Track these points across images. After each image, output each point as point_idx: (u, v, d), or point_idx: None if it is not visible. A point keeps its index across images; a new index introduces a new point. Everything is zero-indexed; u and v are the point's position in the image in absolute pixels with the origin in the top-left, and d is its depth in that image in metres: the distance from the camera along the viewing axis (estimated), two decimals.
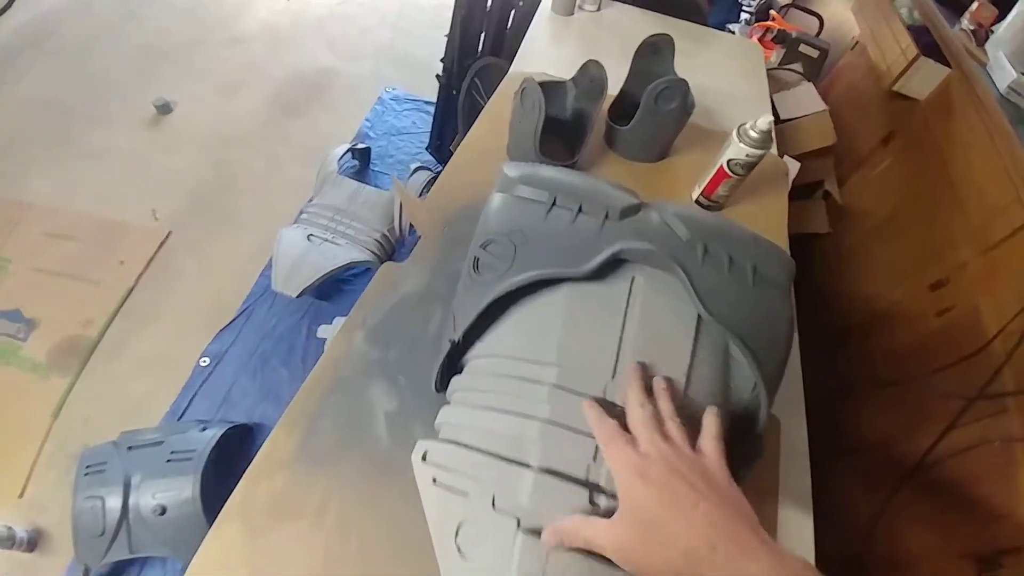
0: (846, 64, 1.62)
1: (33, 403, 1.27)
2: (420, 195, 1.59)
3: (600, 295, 0.50)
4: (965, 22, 1.35)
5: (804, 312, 1.10)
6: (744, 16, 1.85)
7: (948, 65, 1.31)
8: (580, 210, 0.54)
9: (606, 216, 0.53)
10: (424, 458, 0.47)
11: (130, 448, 1.11)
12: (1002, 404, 0.97)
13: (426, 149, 1.74)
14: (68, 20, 2.29)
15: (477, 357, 0.53)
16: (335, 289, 1.51)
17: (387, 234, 1.52)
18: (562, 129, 0.70)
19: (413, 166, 1.67)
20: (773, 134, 0.72)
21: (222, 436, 1.17)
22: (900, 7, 1.49)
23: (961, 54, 1.26)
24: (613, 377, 0.46)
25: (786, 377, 0.68)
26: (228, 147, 1.91)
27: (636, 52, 0.83)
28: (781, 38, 1.61)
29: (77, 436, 1.24)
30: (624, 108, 0.85)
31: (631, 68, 0.84)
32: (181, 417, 1.29)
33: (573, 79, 0.77)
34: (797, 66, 1.58)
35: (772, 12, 1.77)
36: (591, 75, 0.75)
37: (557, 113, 0.76)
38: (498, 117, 0.90)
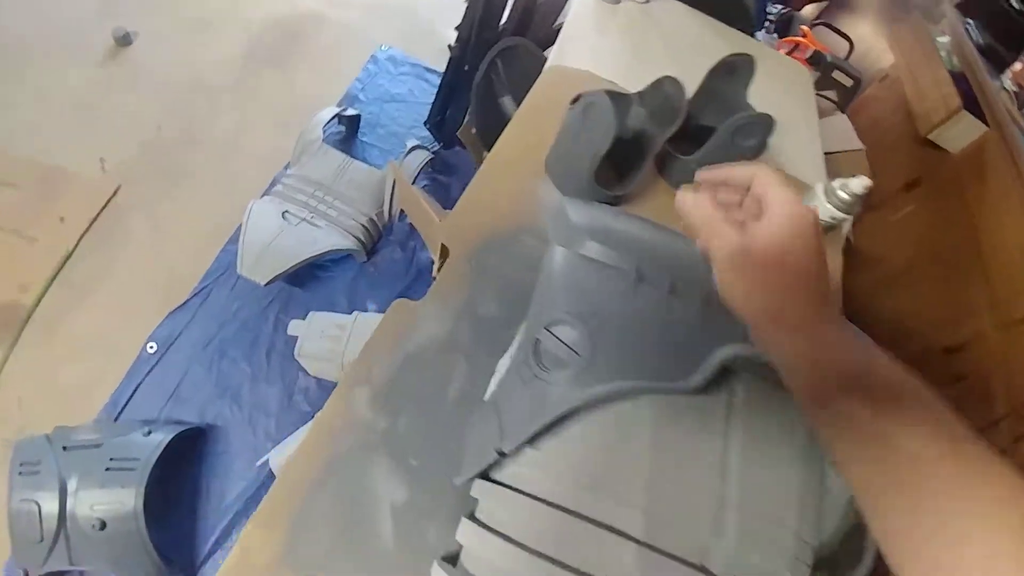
0: (873, 96, 1.53)
1: None
2: (414, 180, 1.42)
3: (695, 414, 0.39)
4: (1008, 81, 1.28)
5: None
6: (767, 26, 1.72)
7: (985, 121, 1.24)
8: (672, 289, 0.42)
9: (704, 302, 0.42)
10: None
11: (65, 448, 0.96)
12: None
13: (424, 124, 1.56)
14: None
15: (527, 467, 0.41)
16: (310, 276, 1.34)
17: (374, 219, 1.36)
18: (614, 149, 0.58)
19: (409, 143, 1.50)
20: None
21: (170, 441, 1.02)
22: (940, 50, 1.40)
23: (1003, 114, 1.19)
24: (713, 532, 0.36)
25: None
26: (192, 93, 1.67)
27: (710, 71, 0.70)
28: (816, 60, 1.49)
29: (12, 418, 1.08)
30: (684, 131, 0.72)
31: (700, 86, 0.71)
32: (123, 409, 1.13)
33: (640, 94, 0.64)
34: (831, 93, 1.47)
35: (803, 28, 1.65)
36: (666, 94, 0.62)
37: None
38: (534, 121, 0.76)
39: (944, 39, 1.44)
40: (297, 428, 1.10)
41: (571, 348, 0.40)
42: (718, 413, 0.39)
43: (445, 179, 1.58)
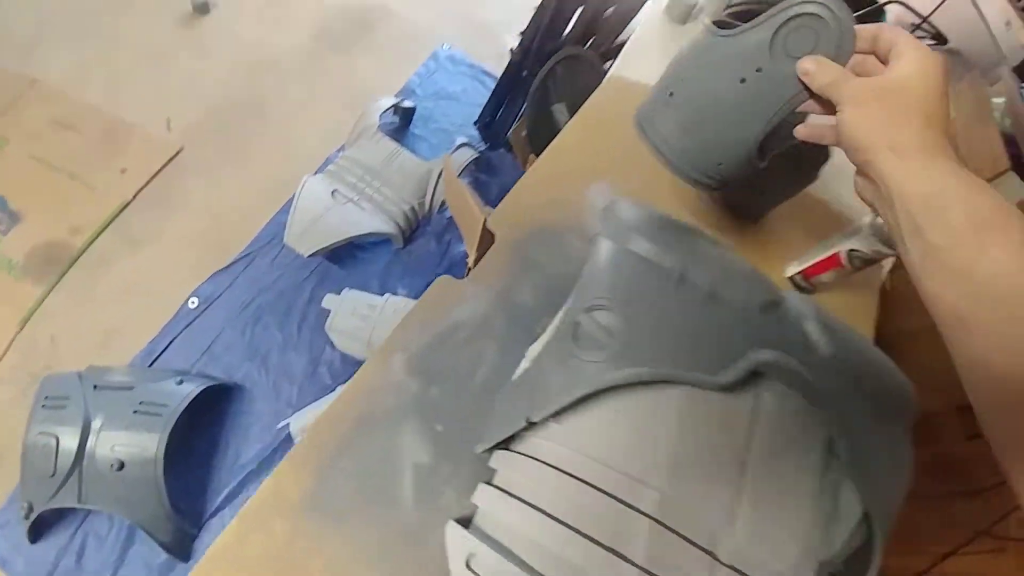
0: None
1: (0, 305, 1.15)
2: (459, 175, 1.46)
3: (721, 411, 0.41)
4: None
5: None
6: None
7: None
8: (711, 294, 0.44)
9: (743, 308, 0.44)
10: (468, 565, 0.38)
11: (96, 387, 1.00)
12: (1002, 545, 0.94)
13: (474, 124, 1.61)
14: None
15: (550, 440, 0.43)
16: (349, 255, 1.39)
17: (416, 208, 1.40)
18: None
19: (458, 140, 1.54)
20: None
21: (199, 395, 1.06)
22: (995, 110, 1.38)
23: None
24: (728, 521, 0.37)
25: None
26: (261, 67, 1.75)
27: None
28: None
29: (41, 354, 1.13)
30: None
31: None
32: (156, 359, 1.18)
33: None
34: None
35: None
36: None
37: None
38: (590, 129, 0.79)
39: (999, 100, 1.42)
40: (318, 398, 1.14)
41: (609, 332, 0.42)
42: (744, 414, 0.41)
43: (486, 178, 1.61)
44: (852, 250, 0.64)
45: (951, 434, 1.12)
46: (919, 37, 1.90)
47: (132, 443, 0.94)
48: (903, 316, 1.34)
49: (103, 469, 0.92)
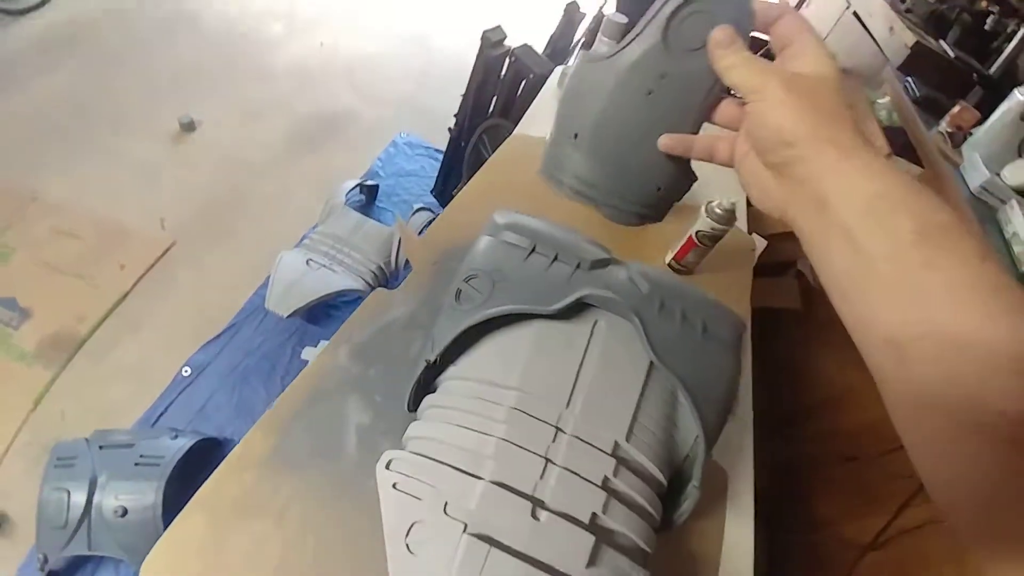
0: None
1: (15, 390, 1.29)
2: (419, 234, 1.67)
3: (565, 333, 0.56)
4: (944, 125, 1.48)
5: (769, 385, 1.15)
6: None
7: (922, 165, 1.43)
8: (556, 258, 0.61)
9: (578, 266, 0.60)
10: (388, 466, 0.51)
11: (101, 447, 1.12)
12: None
13: (430, 192, 1.84)
14: (105, 28, 2.43)
15: (449, 379, 0.58)
16: (324, 314, 1.55)
17: (383, 266, 1.59)
18: None
19: (416, 206, 1.76)
20: (736, 213, 0.80)
21: (191, 447, 1.18)
22: (879, 110, 1.64)
23: (934, 154, 1.38)
24: (568, 406, 0.51)
25: (738, 433, 0.73)
26: (243, 170, 2.01)
27: None
28: None
29: (52, 429, 1.25)
30: None
31: None
32: (155, 423, 1.30)
33: None
34: None
35: None
36: None
37: None
38: (499, 170, 0.99)
39: (884, 100, 1.67)
40: None
41: (479, 291, 0.58)
42: (583, 333, 0.56)
43: None
44: (698, 231, 0.82)
45: (876, 395, 1.24)
46: None
47: (133, 491, 1.05)
48: (829, 302, 1.50)
49: (109, 517, 1.02)
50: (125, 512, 1.03)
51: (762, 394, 0.84)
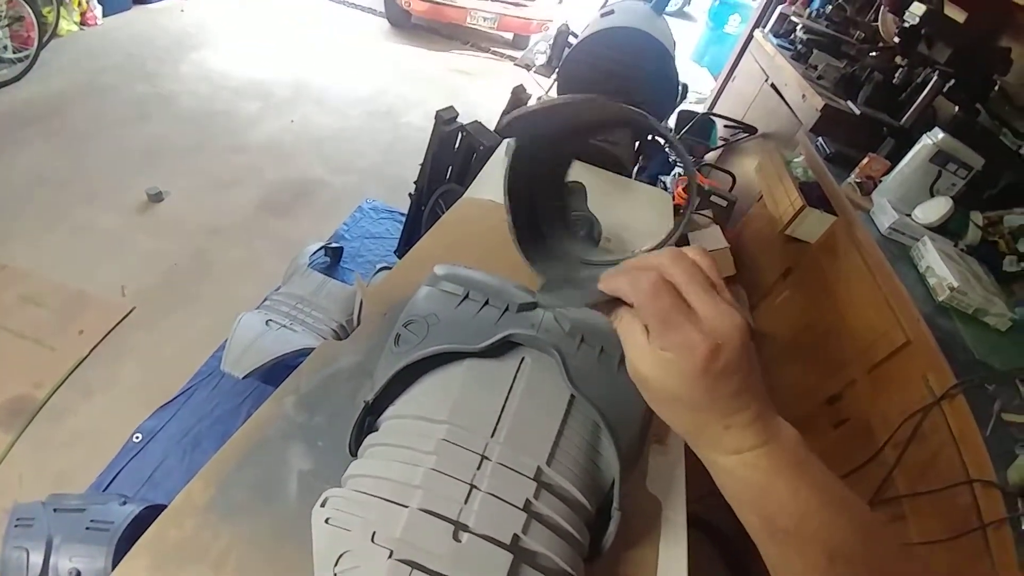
0: (753, 214, 1.94)
1: None
2: None
3: (493, 370, 0.61)
4: (853, 176, 1.64)
5: None
6: (675, 171, 2.20)
7: (835, 214, 1.58)
8: (486, 303, 0.67)
9: (506, 309, 0.66)
10: (323, 504, 0.54)
11: (55, 510, 1.11)
12: (898, 508, 1.06)
13: (394, 252, 1.91)
14: (78, 105, 2.53)
15: (388, 419, 0.61)
16: (283, 375, 1.54)
17: (344, 325, 1.62)
18: None
19: (379, 265, 1.82)
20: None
21: (140, 513, 1.15)
22: (796, 168, 1.82)
23: (845, 204, 1.53)
24: (493, 436, 0.55)
25: (668, 463, 0.78)
26: (210, 236, 2.05)
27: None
28: (697, 190, 1.93)
29: (10, 492, 1.24)
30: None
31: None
32: (106, 488, 1.27)
33: None
34: (708, 212, 1.89)
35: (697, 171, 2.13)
36: None
37: None
38: (449, 229, 1.07)
39: (799, 159, 1.85)
40: None
41: (416, 334, 0.63)
42: (510, 369, 0.61)
43: None
44: None
45: (821, 427, 1.30)
46: (734, 135, 2.44)
47: (85, 554, 1.04)
48: (768, 342, 1.59)
49: None
50: (79, 574, 1.02)
51: None
